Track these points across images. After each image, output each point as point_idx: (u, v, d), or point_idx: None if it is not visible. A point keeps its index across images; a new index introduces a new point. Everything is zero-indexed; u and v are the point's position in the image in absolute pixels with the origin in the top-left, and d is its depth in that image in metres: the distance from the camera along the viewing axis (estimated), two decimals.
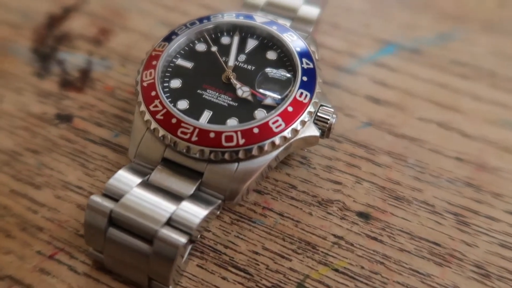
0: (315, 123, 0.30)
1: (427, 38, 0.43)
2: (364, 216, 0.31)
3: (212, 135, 0.28)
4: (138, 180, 0.28)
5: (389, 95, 0.38)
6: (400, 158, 0.35)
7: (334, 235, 0.31)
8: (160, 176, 0.29)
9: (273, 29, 0.33)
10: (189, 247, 0.29)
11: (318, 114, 0.30)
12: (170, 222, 0.26)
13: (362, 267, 0.29)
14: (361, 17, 0.45)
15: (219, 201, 0.28)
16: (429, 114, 0.37)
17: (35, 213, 0.31)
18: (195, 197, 0.28)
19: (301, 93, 0.30)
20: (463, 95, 0.39)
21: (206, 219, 0.27)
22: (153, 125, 0.29)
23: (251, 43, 0.34)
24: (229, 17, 0.34)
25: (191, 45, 0.34)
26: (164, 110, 0.29)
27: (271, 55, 0.33)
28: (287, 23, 0.36)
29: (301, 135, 0.30)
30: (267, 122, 0.29)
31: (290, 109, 0.29)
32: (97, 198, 0.27)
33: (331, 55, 0.41)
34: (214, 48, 0.33)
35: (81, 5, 0.45)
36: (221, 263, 0.29)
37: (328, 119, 0.30)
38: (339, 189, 0.33)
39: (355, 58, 0.41)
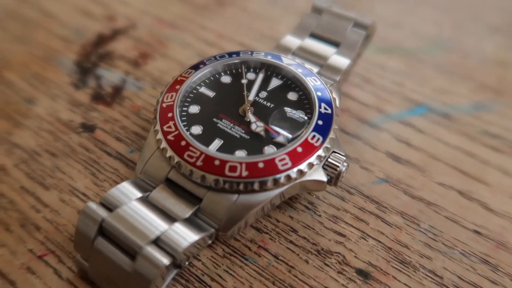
0: (324, 168, 0.30)
1: (461, 105, 0.42)
2: (363, 274, 0.29)
3: (217, 162, 0.28)
4: (138, 194, 0.28)
5: (411, 155, 0.37)
6: (413, 221, 0.33)
7: None
8: (160, 195, 0.29)
9: (298, 72, 0.34)
10: (174, 271, 0.28)
11: (329, 159, 0.30)
12: (158, 242, 0.26)
13: None
14: (395, 76, 0.44)
15: (213, 230, 0.28)
16: (451, 180, 0.35)
17: (37, 212, 0.32)
18: (189, 221, 0.27)
19: (314, 136, 0.29)
20: (491, 167, 0.37)
21: (196, 245, 0.27)
22: (163, 144, 0.30)
23: (275, 82, 0.34)
24: (258, 55, 0.35)
25: (217, 76, 0.35)
26: (176, 132, 0.30)
27: (292, 95, 0.33)
28: (315, 69, 0.36)
29: (307, 177, 0.29)
30: (274, 158, 0.28)
31: (299, 149, 0.29)
32: (92, 205, 0.27)
33: (358, 107, 0.41)
34: (243, 81, 0.34)
35: (130, 29, 0.49)
36: None
37: (338, 166, 0.29)
38: (342, 241, 0.31)
39: (382, 113, 0.41)
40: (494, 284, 0.29)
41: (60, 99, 0.40)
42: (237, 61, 0.35)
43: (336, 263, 0.30)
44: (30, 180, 0.34)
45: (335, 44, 0.39)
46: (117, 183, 0.34)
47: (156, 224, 0.26)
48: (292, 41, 0.39)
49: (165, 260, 0.24)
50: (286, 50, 0.38)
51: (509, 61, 0.47)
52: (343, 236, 0.31)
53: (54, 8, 0.51)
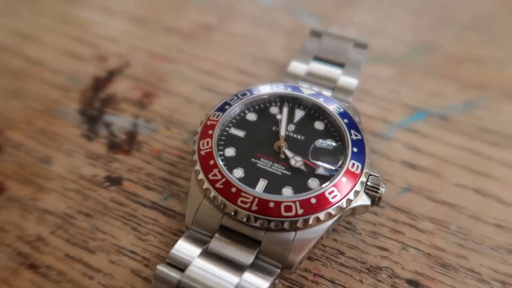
0: (366, 193, 0.32)
1: (453, 105, 0.45)
2: (414, 284, 0.32)
3: (271, 204, 0.29)
4: (198, 250, 0.29)
5: (424, 161, 0.40)
6: (442, 225, 0.36)
7: None
8: (218, 244, 0.30)
9: (320, 101, 0.35)
10: None
11: (368, 183, 0.32)
12: None
13: None
14: (389, 85, 0.47)
15: (278, 271, 0.29)
16: (465, 180, 0.39)
17: (91, 279, 0.32)
18: (255, 267, 0.29)
19: (353, 164, 0.31)
20: (494, 162, 0.40)
21: None
22: (213, 193, 0.30)
23: (299, 114, 0.36)
24: (278, 88, 0.37)
25: (242, 115, 0.36)
26: (224, 180, 0.31)
27: (319, 125, 0.35)
28: (328, 93, 0.38)
29: (354, 204, 0.31)
30: (324, 192, 0.30)
31: (344, 179, 0.31)
32: (163, 269, 0.27)
33: (366, 121, 0.43)
34: (278, 116, 0.35)
35: (124, 68, 0.48)
36: None
37: (379, 189, 0.32)
38: (386, 255, 0.34)
39: (388, 124, 0.43)
40: None
41: (76, 154, 0.40)
42: (260, 97, 0.36)
43: (387, 277, 0.32)
44: (73, 246, 0.33)
45: (339, 65, 0.41)
46: (161, 234, 0.34)
47: (229, 278, 0.27)
48: (299, 67, 0.41)
49: None
50: (296, 77, 0.40)
51: (485, 56, 0.51)
52: (386, 250, 0.34)
53: (39, 54, 0.49)
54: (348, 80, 0.40)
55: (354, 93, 0.46)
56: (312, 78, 0.40)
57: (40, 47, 0.50)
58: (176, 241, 0.32)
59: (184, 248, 0.29)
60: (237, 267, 0.28)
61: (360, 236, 0.35)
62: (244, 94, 0.36)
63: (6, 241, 0.34)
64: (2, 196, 0.36)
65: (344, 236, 0.35)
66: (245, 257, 0.29)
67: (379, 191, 0.32)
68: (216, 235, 0.30)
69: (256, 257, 0.29)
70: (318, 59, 0.42)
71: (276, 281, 0.29)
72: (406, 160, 0.40)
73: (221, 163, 0.32)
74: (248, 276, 0.28)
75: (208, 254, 0.29)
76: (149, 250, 0.33)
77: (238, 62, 0.49)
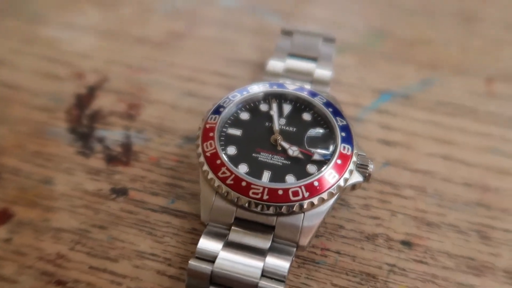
0: (358, 171, 0.36)
1: (413, 85, 0.51)
2: (406, 244, 0.37)
3: (280, 192, 0.33)
4: (220, 243, 0.32)
5: (396, 137, 0.45)
6: (421, 190, 0.41)
7: (387, 264, 0.36)
8: (237, 235, 0.33)
9: (304, 94, 0.39)
10: None
11: (359, 162, 0.36)
12: (264, 274, 0.30)
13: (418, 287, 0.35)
14: (355, 73, 0.52)
15: (294, 249, 0.32)
16: (433, 149, 0.44)
17: (119, 285, 0.34)
18: (274, 250, 0.32)
19: (344, 147, 0.36)
20: (454, 130, 0.46)
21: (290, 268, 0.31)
22: (225, 189, 0.33)
23: (287, 108, 0.39)
24: (264, 87, 0.40)
25: (236, 115, 0.39)
26: (233, 176, 0.34)
27: (307, 116, 0.39)
28: (308, 86, 0.42)
29: (350, 182, 0.35)
30: (323, 175, 0.34)
31: (339, 161, 0.35)
32: (195, 263, 0.30)
33: (342, 107, 0.48)
34: (272, 112, 0.38)
35: (104, 83, 0.49)
36: None
37: (368, 166, 0.36)
38: (380, 223, 0.38)
39: (360, 108, 0.48)
40: (492, 219, 0.39)
41: (76, 171, 0.41)
42: (250, 97, 0.39)
43: (383, 242, 0.37)
44: (94, 258, 0.35)
45: (313, 59, 0.45)
46: (176, 234, 0.37)
47: (255, 265, 0.30)
48: (277, 65, 0.44)
49: (281, 287, 0.29)
50: (275, 74, 0.44)
51: (431, 38, 0.57)
52: (378, 218, 0.39)
53: (16, 78, 0.49)
54: (323, 73, 0.44)
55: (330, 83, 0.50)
56: (290, 74, 0.44)
57: (13, 71, 0.49)
58: (193, 239, 0.34)
59: (208, 243, 0.32)
60: (259, 252, 0.31)
61: (354, 210, 0.39)
62: (234, 96, 0.39)
63: (28, 264, 0.34)
64: (11, 222, 0.37)
65: (341, 212, 0.39)
66: (263, 242, 0.32)
67: (368, 168, 0.36)
68: (233, 227, 0.33)
69: (273, 241, 0.33)
70: (292, 55, 0.45)
71: (293, 259, 0.33)
72: (381, 138, 0.45)
73: (227, 161, 0.34)
74: (270, 259, 0.31)
75: (230, 246, 0.32)
76: (168, 250, 0.36)
77: (213, 66, 0.52)
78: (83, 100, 0.47)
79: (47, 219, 0.37)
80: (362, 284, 0.34)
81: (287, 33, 0.47)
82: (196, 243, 0.32)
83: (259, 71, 0.50)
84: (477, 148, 0.45)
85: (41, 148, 0.42)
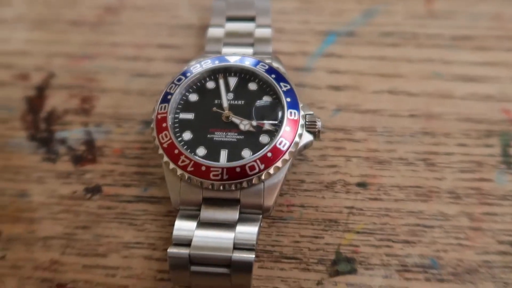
0: (307, 131, 0.38)
1: (355, 19, 0.51)
2: (362, 185, 0.41)
3: (238, 169, 0.35)
4: (194, 224, 0.35)
5: (344, 80, 0.47)
6: (371, 130, 0.44)
7: (346, 207, 0.40)
8: (208, 213, 0.36)
9: (247, 64, 0.40)
10: None
11: (307, 123, 0.38)
12: (236, 246, 0.34)
13: (374, 223, 0.39)
14: (297, 16, 0.52)
15: (260, 216, 0.36)
16: (379, 86, 0.46)
17: (113, 277, 0.37)
18: (242, 220, 0.35)
19: (291, 113, 0.38)
20: (399, 61, 0.48)
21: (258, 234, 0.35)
22: (187, 176, 0.36)
23: (232, 81, 0.40)
24: (207, 64, 0.40)
25: (184, 98, 0.40)
26: (192, 162, 0.36)
27: (252, 86, 0.40)
28: (250, 50, 0.43)
29: (300, 144, 0.37)
30: (275, 145, 0.36)
31: (287, 128, 0.37)
32: (173, 249, 0.33)
33: (288, 59, 0.48)
34: (219, 89, 0.39)
35: (50, 80, 0.49)
36: (275, 259, 0.38)
37: (316, 124, 0.38)
38: (337, 170, 0.42)
39: (307, 55, 0.49)
40: (437, 145, 0.42)
41: (47, 179, 0.42)
42: (194, 77, 0.40)
43: (341, 187, 0.41)
44: (86, 257, 0.38)
45: (251, 19, 0.45)
46: (155, 220, 0.40)
47: (226, 236, 0.34)
48: (216, 31, 0.44)
49: (252, 255, 0.33)
50: (217, 40, 0.44)
51: None
52: (335, 166, 0.42)
53: None
54: (262, 31, 0.44)
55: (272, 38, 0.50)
56: (232, 38, 0.44)
57: None
58: (170, 221, 0.38)
59: (182, 227, 0.35)
60: (229, 226, 0.35)
61: (312, 163, 0.42)
62: (179, 80, 0.40)
63: (26, 275, 0.38)
64: (1, 240, 0.40)
65: (300, 167, 0.42)
66: (232, 215, 0.36)
67: (316, 126, 0.38)
68: (202, 207, 0.36)
69: (240, 213, 0.36)
70: (230, 19, 0.45)
71: (262, 223, 0.37)
72: (330, 84, 0.47)
73: (184, 150, 0.36)
74: (239, 229, 0.35)
75: (203, 224, 0.35)
76: (151, 236, 0.39)
77: (156, 38, 0.51)
78: (34, 103, 0.47)
79: (32, 230, 0.40)
80: (326, 230, 0.39)
81: None
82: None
83: (204, 36, 0.49)
84: (420, 76, 0.47)
85: (7, 162, 0.43)
